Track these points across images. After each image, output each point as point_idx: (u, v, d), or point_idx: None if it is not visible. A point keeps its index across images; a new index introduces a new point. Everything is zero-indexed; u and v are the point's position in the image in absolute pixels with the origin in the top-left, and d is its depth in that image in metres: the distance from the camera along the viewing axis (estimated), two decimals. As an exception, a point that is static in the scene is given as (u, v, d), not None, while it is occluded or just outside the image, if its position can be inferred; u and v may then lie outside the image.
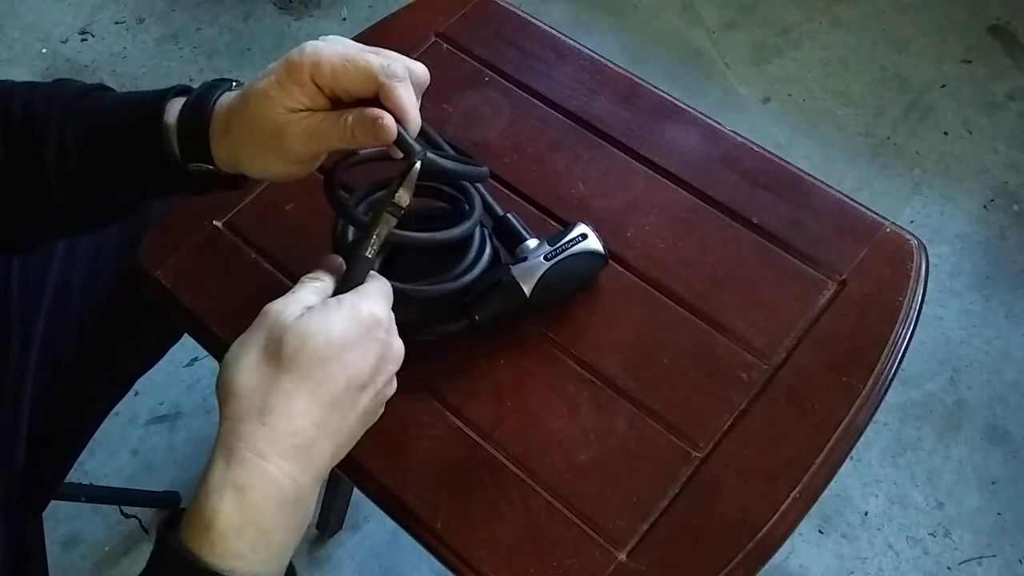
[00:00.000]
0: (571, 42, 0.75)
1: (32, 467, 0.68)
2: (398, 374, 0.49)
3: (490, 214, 0.62)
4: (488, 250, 0.59)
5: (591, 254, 0.59)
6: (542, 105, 0.72)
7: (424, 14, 0.78)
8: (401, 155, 0.49)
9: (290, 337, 0.43)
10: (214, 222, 0.68)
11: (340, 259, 0.51)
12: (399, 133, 0.47)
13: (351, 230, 0.56)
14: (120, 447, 1.25)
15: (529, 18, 0.77)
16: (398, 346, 0.48)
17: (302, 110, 0.47)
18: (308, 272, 0.49)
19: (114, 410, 0.79)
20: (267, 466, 0.40)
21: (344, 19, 1.70)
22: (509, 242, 0.61)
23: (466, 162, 0.57)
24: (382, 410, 0.49)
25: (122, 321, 0.74)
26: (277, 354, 0.42)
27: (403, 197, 0.48)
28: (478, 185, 0.60)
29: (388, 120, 0.46)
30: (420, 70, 0.49)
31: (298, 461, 0.42)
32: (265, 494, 0.40)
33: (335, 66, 0.46)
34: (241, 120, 0.48)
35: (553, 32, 0.76)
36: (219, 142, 0.49)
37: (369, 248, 0.48)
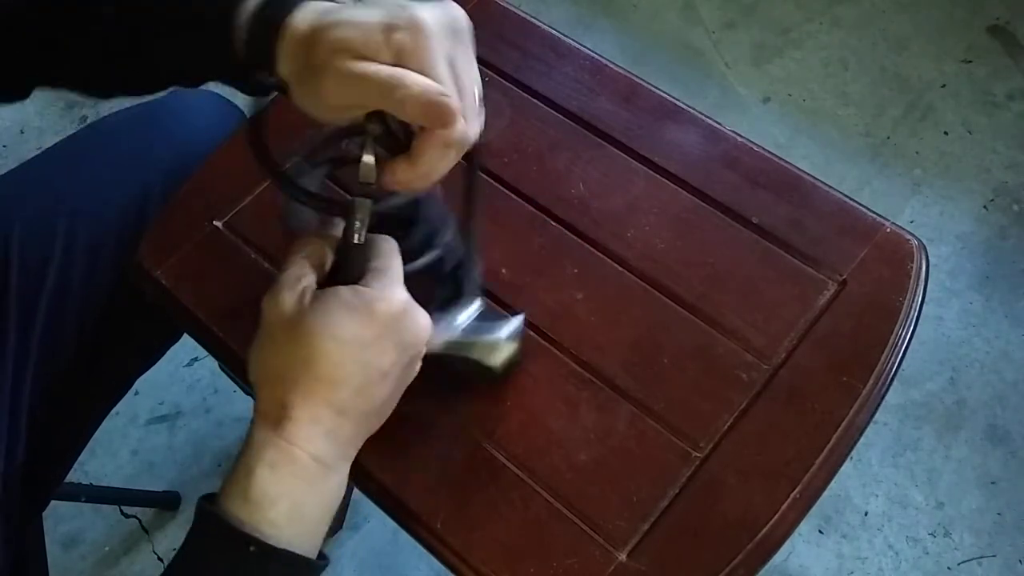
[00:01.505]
0: (571, 42, 0.75)
1: (32, 467, 0.68)
2: None
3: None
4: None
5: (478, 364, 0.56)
6: (542, 105, 0.72)
7: (424, 14, 0.78)
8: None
9: (299, 345, 0.43)
10: (214, 222, 0.68)
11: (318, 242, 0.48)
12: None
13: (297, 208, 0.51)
14: (120, 447, 1.25)
15: (529, 18, 0.77)
16: (423, 325, 0.47)
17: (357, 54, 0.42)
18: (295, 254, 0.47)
19: (114, 410, 0.79)
20: (294, 450, 0.43)
21: (344, 19, 1.69)
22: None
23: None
24: (414, 373, 0.50)
25: (122, 321, 0.74)
26: (291, 357, 0.44)
27: (368, 173, 0.45)
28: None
29: (455, 103, 0.42)
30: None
31: (325, 445, 0.44)
32: (294, 472, 0.43)
33: (424, 58, 0.42)
34: (306, 42, 0.43)
35: (553, 32, 0.76)
36: (284, 53, 0.44)
37: (356, 235, 0.46)
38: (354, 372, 0.44)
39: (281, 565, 0.42)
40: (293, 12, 0.44)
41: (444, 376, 0.54)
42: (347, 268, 0.47)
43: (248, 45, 0.45)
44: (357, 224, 0.46)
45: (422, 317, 0.48)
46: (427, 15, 0.43)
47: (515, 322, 0.57)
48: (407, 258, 0.50)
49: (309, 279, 0.46)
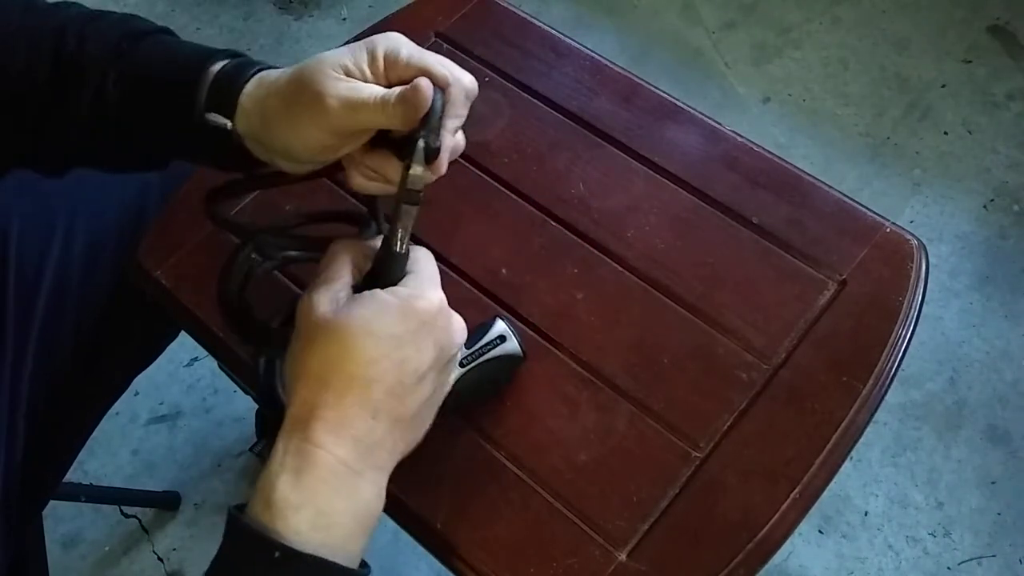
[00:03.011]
0: (571, 42, 0.75)
1: (30, 466, 0.68)
2: None
3: None
4: None
5: (509, 357, 0.56)
6: (542, 105, 0.72)
7: (424, 14, 0.78)
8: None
9: (333, 342, 0.43)
10: (214, 222, 0.68)
11: (358, 246, 0.49)
12: (432, 106, 0.45)
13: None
14: (120, 447, 1.25)
15: (529, 18, 0.77)
16: (458, 327, 0.47)
17: (353, 79, 0.46)
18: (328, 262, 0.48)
19: (114, 410, 0.79)
20: (320, 452, 0.42)
21: (344, 19, 1.70)
22: None
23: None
24: (447, 388, 0.49)
25: (120, 320, 0.74)
26: (324, 355, 0.43)
27: (417, 180, 0.45)
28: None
29: (426, 83, 0.44)
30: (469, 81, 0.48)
31: (354, 449, 0.43)
32: (320, 477, 0.42)
33: (412, 51, 0.46)
34: (291, 79, 0.47)
35: (553, 32, 0.76)
36: (254, 97, 0.48)
37: (399, 243, 0.46)
38: (388, 369, 0.43)
39: (310, 570, 0.40)
40: (257, 71, 0.49)
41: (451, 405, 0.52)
42: (385, 276, 0.47)
43: (210, 99, 0.48)
44: (400, 232, 0.46)
45: (457, 320, 0.47)
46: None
47: (497, 326, 0.56)
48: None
49: (345, 281, 0.46)
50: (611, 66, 0.74)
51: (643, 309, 0.61)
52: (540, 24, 0.77)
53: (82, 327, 0.71)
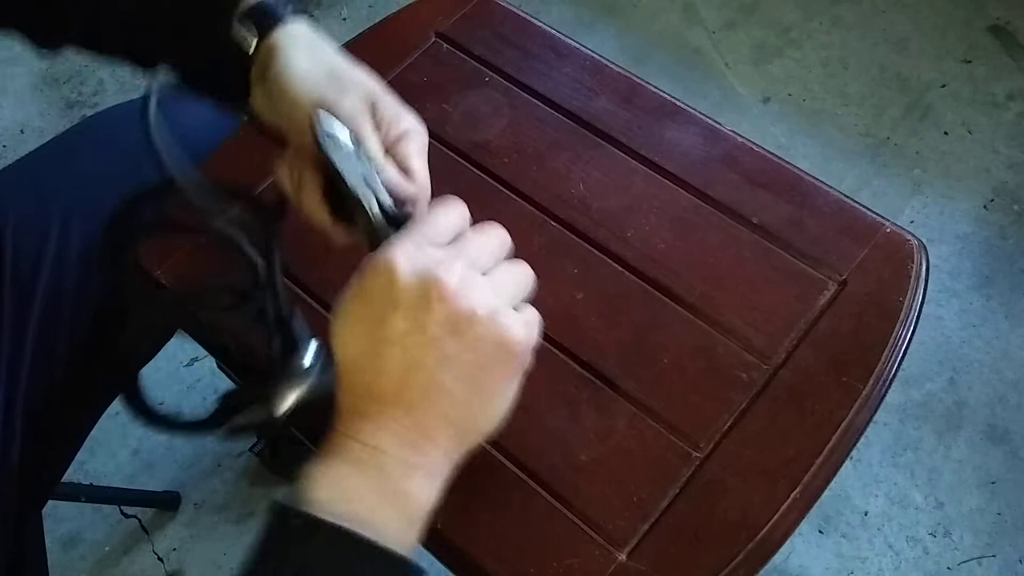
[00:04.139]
0: (571, 42, 0.75)
1: (29, 465, 0.68)
2: None
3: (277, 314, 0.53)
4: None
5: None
6: (542, 105, 0.72)
7: (424, 14, 0.78)
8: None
9: None
10: (214, 222, 0.68)
11: None
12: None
13: None
14: (120, 447, 1.25)
15: (529, 18, 0.77)
16: (406, 269, 0.41)
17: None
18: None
19: (114, 410, 0.79)
20: (334, 435, 0.41)
21: (344, 19, 1.70)
22: (288, 347, 0.52)
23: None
24: (512, 332, 0.45)
25: (116, 320, 0.74)
26: None
27: (378, 217, 0.49)
28: (274, 272, 0.52)
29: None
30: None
31: (353, 422, 0.41)
32: (330, 451, 0.41)
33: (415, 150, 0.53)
34: (338, 68, 0.52)
35: (553, 32, 0.76)
36: (303, 38, 0.52)
37: (378, 232, 0.48)
38: (355, 346, 0.42)
39: (338, 541, 0.38)
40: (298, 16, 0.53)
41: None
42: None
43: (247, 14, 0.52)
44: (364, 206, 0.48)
45: (400, 259, 0.41)
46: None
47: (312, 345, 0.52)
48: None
49: None
50: (611, 66, 0.74)
51: (643, 309, 0.61)
52: (540, 24, 0.77)
53: (79, 325, 0.71)
